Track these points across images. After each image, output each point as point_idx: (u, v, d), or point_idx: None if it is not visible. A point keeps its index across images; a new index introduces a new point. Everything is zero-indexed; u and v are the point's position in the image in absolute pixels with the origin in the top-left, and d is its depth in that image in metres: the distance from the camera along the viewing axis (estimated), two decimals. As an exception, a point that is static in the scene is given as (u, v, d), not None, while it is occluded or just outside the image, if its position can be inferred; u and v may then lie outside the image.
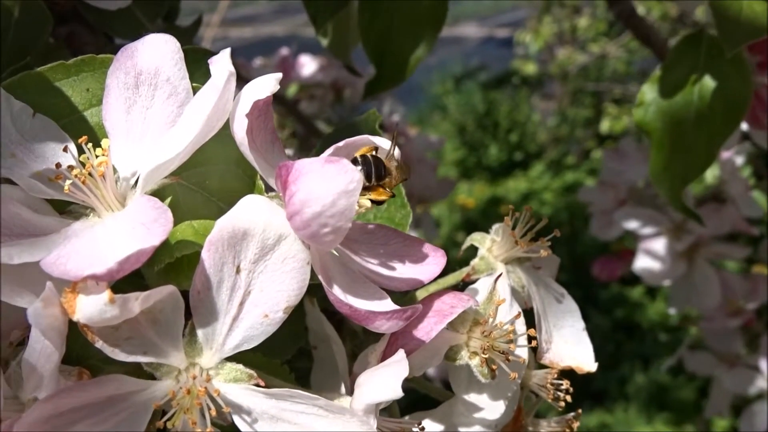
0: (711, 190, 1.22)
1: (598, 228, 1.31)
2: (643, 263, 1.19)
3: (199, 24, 0.73)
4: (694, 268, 1.18)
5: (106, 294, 0.31)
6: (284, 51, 1.72)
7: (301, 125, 1.55)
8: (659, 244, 1.16)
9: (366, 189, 0.40)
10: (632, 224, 1.17)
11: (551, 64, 4.37)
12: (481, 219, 3.60)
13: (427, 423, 0.45)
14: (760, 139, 0.95)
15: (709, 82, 0.77)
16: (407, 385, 0.46)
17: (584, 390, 2.64)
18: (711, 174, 1.23)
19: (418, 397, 0.49)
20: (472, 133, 4.55)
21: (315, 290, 0.39)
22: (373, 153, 0.42)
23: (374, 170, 0.40)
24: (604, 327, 2.97)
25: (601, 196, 1.29)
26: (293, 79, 1.71)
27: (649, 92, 0.78)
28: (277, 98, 1.57)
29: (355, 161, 0.40)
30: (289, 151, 1.30)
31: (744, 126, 0.93)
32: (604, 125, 3.86)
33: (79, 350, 0.38)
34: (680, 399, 2.65)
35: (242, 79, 0.38)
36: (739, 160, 1.22)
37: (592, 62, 4.27)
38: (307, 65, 1.71)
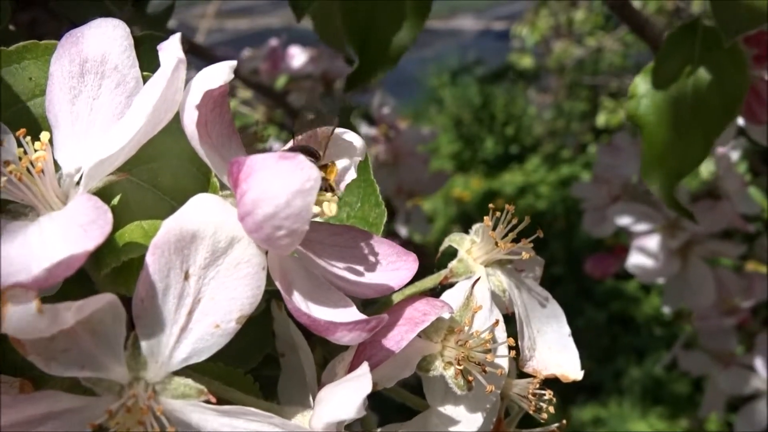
0: (706, 186, 1.18)
1: (590, 224, 1.28)
2: (636, 261, 1.16)
3: (171, 11, 0.69)
4: (688, 266, 1.15)
5: (35, 304, 0.28)
6: (274, 42, 1.68)
7: (291, 118, 1.52)
8: (653, 242, 1.13)
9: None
10: (625, 221, 1.14)
11: (548, 58, 4.34)
12: (476, 212, 3.57)
13: (399, 437, 0.42)
14: (756, 135, 0.92)
15: (704, 74, 0.74)
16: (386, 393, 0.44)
17: (578, 384, 2.61)
18: (706, 170, 1.20)
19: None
20: (468, 126, 4.52)
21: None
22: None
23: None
24: (599, 321, 2.94)
25: (594, 191, 1.26)
26: (283, 70, 1.68)
27: (642, 84, 0.75)
28: (266, 90, 1.54)
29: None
30: (277, 145, 1.27)
31: (740, 121, 0.90)
32: (601, 119, 3.83)
33: (22, 360, 0.35)
34: (675, 393, 2.64)
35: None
36: (735, 156, 1.19)
37: (588, 55, 4.24)
38: (297, 57, 1.68)
